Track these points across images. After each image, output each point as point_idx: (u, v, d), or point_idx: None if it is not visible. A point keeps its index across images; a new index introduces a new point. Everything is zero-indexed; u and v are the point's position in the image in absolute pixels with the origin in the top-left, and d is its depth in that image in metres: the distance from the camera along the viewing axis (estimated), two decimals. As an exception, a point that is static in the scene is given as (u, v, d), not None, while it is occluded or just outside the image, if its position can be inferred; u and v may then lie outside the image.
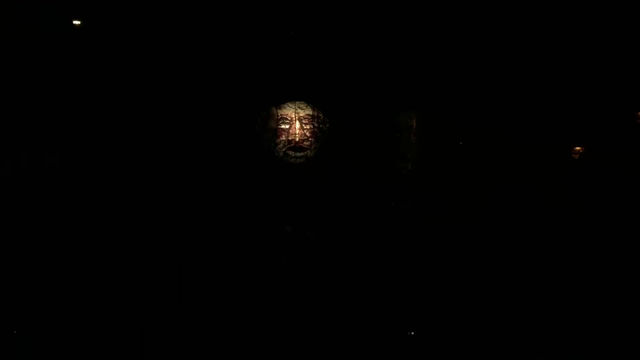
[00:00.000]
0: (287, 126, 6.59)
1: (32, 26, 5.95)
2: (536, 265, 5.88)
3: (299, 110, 6.60)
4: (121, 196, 6.06)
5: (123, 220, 5.97)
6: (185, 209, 6.12)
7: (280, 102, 6.60)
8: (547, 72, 6.36)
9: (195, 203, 6.17)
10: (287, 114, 6.60)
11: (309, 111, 6.62)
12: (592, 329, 5.27)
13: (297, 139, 6.58)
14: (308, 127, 6.60)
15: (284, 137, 6.59)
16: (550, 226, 6.10)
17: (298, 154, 6.59)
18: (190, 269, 5.92)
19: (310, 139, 6.60)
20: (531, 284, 5.77)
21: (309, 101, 6.62)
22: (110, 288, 5.63)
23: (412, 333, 5.53)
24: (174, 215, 6.08)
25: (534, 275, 5.82)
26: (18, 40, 5.96)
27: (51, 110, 6.09)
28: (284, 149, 6.58)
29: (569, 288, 5.68)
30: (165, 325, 5.51)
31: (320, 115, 6.62)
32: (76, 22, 6.08)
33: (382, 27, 6.39)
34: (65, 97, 6.13)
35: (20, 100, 6.02)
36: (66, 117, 6.12)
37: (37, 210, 5.85)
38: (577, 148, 6.49)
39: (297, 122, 6.60)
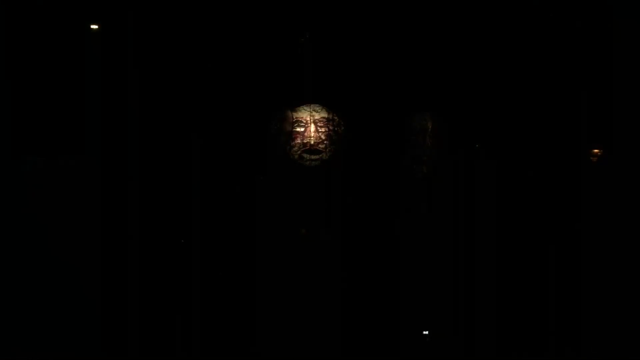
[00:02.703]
0: (302, 129, 6.59)
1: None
2: (552, 268, 5.84)
3: (314, 113, 6.59)
4: (135, 199, 6.09)
5: (137, 223, 6.00)
6: (200, 212, 6.14)
7: (295, 105, 6.60)
8: (565, 72, 6.28)
9: (210, 206, 6.19)
10: (302, 117, 6.60)
11: (324, 114, 6.61)
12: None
13: (312, 142, 6.58)
14: (323, 129, 6.59)
15: (299, 140, 6.59)
16: (567, 229, 6.04)
17: (313, 157, 6.58)
18: (205, 270, 5.94)
19: (325, 142, 6.59)
20: (547, 286, 5.74)
21: (324, 104, 6.61)
22: (125, 292, 5.68)
23: (427, 332, 5.53)
24: (188, 217, 6.11)
25: (550, 278, 5.79)
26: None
27: (60, 109, 6.13)
28: (299, 152, 6.58)
29: (580, 290, 5.64)
30: (180, 327, 5.56)
31: (336, 118, 6.61)
32: (94, 27, 6.11)
33: (398, 28, 6.35)
34: (75, 97, 6.16)
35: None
36: (78, 117, 6.16)
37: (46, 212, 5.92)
38: (596, 150, 6.41)
39: (312, 125, 6.59)
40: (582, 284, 5.58)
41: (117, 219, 5.96)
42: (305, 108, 6.59)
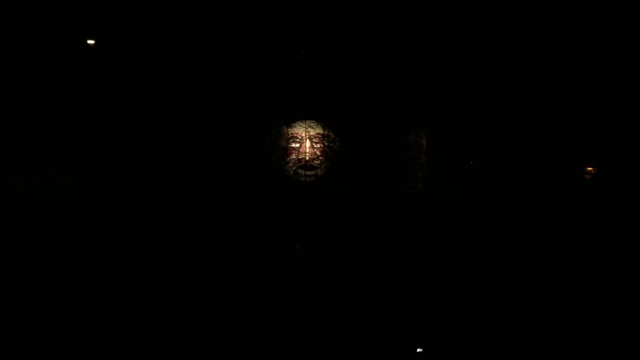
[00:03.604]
0: (298, 145, 6.61)
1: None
2: (547, 281, 5.83)
3: (309, 129, 6.62)
4: (132, 212, 6.09)
5: (136, 237, 5.99)
6: (196, 226, 6.13)
7: (291, 121, 6.63)
8: (558, 91, 6.35)
9: (205, 220, 6.18)
10: (297, 133, 6.62)
11: (320, 130, 6.64)
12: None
13: (307, 158, 6.60)
14: (318, 145, 6.62)
15: (294, 156, 6.61)
16: (561, 244, 6.04)
17: (308, 173, 6.60)
18: (200, 285, 5.91)
19: (320, 158, 6.61)
20: (542, 299, 5.71)
21: (320, 120, 6.64)
22: (131, 300, 5.64)
23: (420, 350, 5.47)
24: (184, 232, 6.10)
25: (545, 290, 5.77)
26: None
27: (59, 118, 6.18)
28: (294, 168, 6.60)
29: (581, 301, 5.61)
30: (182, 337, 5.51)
31: (331, 134, 6.64)
32: (90, 42, 6.17)
33: (394, 46, 6.41)
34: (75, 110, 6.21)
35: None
36: (75, 130, 6.20)
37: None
38: (589, 168, 6.45)
39: (308, 141, 6.62)
40: (575, 297, 5.58)
41: (114, 235, 5.97)
42: (300, 124, 6.63)
